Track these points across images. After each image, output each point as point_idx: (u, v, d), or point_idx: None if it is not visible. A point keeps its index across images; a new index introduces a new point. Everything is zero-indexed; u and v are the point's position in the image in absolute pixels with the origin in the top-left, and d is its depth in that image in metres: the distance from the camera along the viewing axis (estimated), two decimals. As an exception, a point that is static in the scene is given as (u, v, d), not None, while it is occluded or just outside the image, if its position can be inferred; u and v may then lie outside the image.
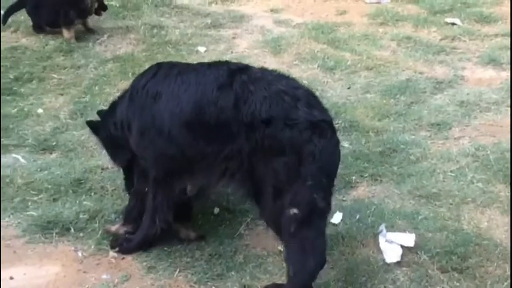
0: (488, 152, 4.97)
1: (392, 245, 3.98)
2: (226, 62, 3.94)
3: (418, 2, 8.14)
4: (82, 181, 4.62)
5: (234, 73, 3.62)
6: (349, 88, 6.06)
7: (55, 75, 6.28)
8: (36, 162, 4.86)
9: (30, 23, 7.13)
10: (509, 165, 4.78)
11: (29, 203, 4.40)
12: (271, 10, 8.03)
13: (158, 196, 3.89)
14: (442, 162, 4.91)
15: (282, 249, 3.81)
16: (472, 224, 4.23)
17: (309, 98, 3.55)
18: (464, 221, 4.27)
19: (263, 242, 4.03)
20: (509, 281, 3.76)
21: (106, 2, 7.34)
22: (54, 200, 4.44)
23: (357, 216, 4.29)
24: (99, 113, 4.41)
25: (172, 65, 4.02)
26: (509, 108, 5.64)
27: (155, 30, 7.28)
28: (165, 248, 4.01)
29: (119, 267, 3.88)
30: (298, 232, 3.39)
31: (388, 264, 3.90)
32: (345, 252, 3.99)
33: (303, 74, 6.22)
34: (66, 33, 6.95)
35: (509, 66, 6.39)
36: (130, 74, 6.04)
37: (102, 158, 4.76)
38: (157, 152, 3.78)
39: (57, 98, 5.89)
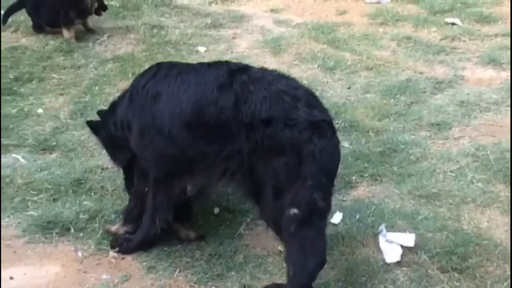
0: (488, 152, 4.97)
1: (392, 245, 3.98)
2: (226, 62, 3.94)
3: (418, 2, 8.14)
4: (82, 181, 4.62)
5: (234, 73, 3.62)
6: (349, 88, 6.06)
7: (55, 75, 6.28)
8: (36, 162, 4.86)
9: (30, 23, 7.13)
10: (509, 165, 4.77)
11: (29, 203, 4.40)
12: (271, 10, 8.03)
13: (158, 196, 3.89)
14: (442, 162, 4.91)
15: (282, 249, 3.82)
16: (472, 224, 4.23)
17: (309, 98, 3.55)
18: (464, 221, 4.27)
19: (263, 242, 4.03)
20: (509, 281, 3.76)
21: (106, 2, 7.34)
22: (54, 200, 4.44)
23: (357, 216, 4.29)
24: (99, 113, 4.41)
25: (172, 65, 4.02)
26: (509, 108, 5.64)
27: (155, 30, 7.28)
28: (165, 248, 4.01)
29: (119, 267, 3.88)
30: (298, 232, 3.39)
31: (388, 264, 3.90)
32: (345, 252, 3.99)
33: (303, 74, 6.22)
34: (66, 33, 6.95)
35: (509, 66, 6.39)
36: (130, 74, 6.04)
37: (102, 158, 4.77)
38: (157, 152, 3.78)
39: (57, 98, 5.89)
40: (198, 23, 7.59)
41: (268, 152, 3.41)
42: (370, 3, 8.16)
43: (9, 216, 4.28)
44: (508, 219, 4.28)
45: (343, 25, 7.49)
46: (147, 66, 4.49)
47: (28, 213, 4.30)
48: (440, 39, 7.13)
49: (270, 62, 6.44)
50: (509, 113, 5.56)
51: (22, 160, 4.88)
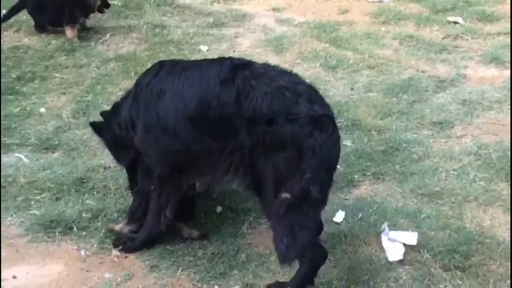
0: (491, 151, 4.97)
1: (394, 244, 3.98)
2: (230, 58, 3.95)
3: (420, 0, 8.15)
4: (85, 180, 4.62)
5: (237, 68, 3.64)
6: (352, 89, 6.05)
7: (57, 75, 6.28)
8: (38, 162, 4.87)
9: (32, 22, 7.13)
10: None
11: (32, 202, 4.41)
12: (273, 9, 8.04)
13: (163, 194, 3.89)
14: (445, 160, 4.91)
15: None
16: (475, 223, 4.23)
17: (311, 93, 3.56)
18: (467, 219, 4.27)
19: (266, 241, 4.02)
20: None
21: (108, 1, 7.33)
22: (57, 199, 4.44)
23: (360, 215, 4.29)
24: (102, 113, 4.42)
25: (175, 63, 4.05)
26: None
27: (157, 30, 7.29)
28: (168, 247, 4.01)
29: (122, 266, 3.88)
30: (287, 213, 3.34)
31: (391, 263, 3.90)
32: (348, 250, 4.00)
33: (305, 72, 6.20)
34: (69, 32, 6.96)
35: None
36: (132, 73, 6.06)
37: (105, 157, 4.77)
38: (162, 149, 3.79)
39: (60, 97, 5.90)
40: (200, 22, 7.59)
41: (269, 147, 3.42)
42: (372, 2, 8.16)
43: (12, 215, 4.28)
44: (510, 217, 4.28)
45: (345, 24, 7.50)
46: (149, 65, 4.49)
47: (31, 212, 4.31)
48: (443, 38, 7.13)
49: (272, 61, 6.36)
50: (511, 111, 5.55)
51: (25, 159, 4.89)
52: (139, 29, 7.29)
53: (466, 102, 5.74)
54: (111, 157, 4.40)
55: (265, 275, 3.81)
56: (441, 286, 3.74)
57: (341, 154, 3.71)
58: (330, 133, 3.44)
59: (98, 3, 7.12)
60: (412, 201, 4.46)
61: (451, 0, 8.05)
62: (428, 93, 5.94)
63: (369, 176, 4.74)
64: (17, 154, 4.95)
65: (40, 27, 7.08)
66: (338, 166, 4.05)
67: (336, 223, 4.21)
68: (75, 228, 4.16)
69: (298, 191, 3.34)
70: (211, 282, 3.77)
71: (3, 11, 7.19)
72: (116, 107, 4.22)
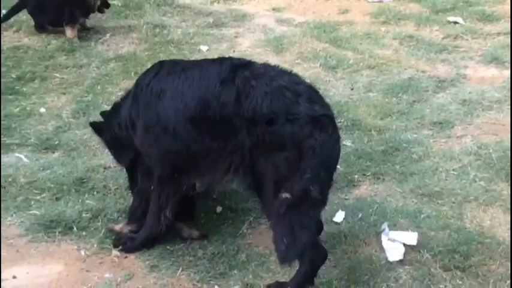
0: (491, 151, 4.97)
1: (394, 244, 3.98)
2: (230, 58, 3.96)
3: (420, 0, 8.15)
4: (85, 180, 4.62)
5: (237, 68, 3.64)
6: (352, 89, 6.05)
7: (57, 75, 6.29)
8: (38, 162, 4.87)
9: (32, 22, 7.13)
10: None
11: (32, 202, 4.41)
12: (273, 9, 8.04)
13: (163, 194, 3.89)
14: (445, 160, 4.91)
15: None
16: (475, 223, 4.23)
17: (311, 93, 3.56)
18: (467, 219, 4.27)
19: (266, 241, 4.02)
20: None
21: (108, 1, 7.33)
22: (57, 199, 4.45)
23: (360, 215, 4.29)
24: (102, 114, 4.42)
25: (175, 63, 4.06)
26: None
27: (157, 30, 7.29)
28: (168, 247, 4.01)
29: (122, 266, 3.88)
30: (287, 213, 3.34)
31: (391, 263, 3.90)
32: (348, 250, 4.00)
33: (305, 72, 6.20)
34: (69, 32, 6.96)
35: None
36: (132, 73, 6.06)
37: (105, 157, 4.77)
38: (162, 149, 3.79)
39: (60, 97, 5.90)
40: (200, 22, 7.59)
41: (269, 147, 3.43)
42: (372, 2, 8.17)
43: (12, 215, 4.28)
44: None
45: (345, 24, 7.50)
46: (149, 65, 4.49)
47: (31, 212, 4.31)
48: (443, 38, 7.13)
49: (272, 61, 6.36)
50: (511, 111, 5.55)
51: (25, 159, 4.89)
52: (139, 29, 7.29)
53: (466, 102, 5.74)
54: (111, 157, 4.40)
55: (265, 275, 3.81)
56: (441, 286, 3.74)
57: (341, 154, 3.71)
58: (330, 133, 3.44)
59: (98, 3, 7.12)
60: (412, 201, 4.46)
61: (451, 0, 8.05)
62: (428, 93, 5.94)
63: (369, 176, 4.74)
64: (17, 154, 4.95)
65: (40, 27, 7.08)
66: (338, 166, 4.05)
67: (336, 223, 4.21)
68: (75, 228, 4.16)
69: (298, 191, 3.35)
70: (211, 282, 3.77)
71: (3, 11, 7.20)
72: (116, 107, 4.23)
